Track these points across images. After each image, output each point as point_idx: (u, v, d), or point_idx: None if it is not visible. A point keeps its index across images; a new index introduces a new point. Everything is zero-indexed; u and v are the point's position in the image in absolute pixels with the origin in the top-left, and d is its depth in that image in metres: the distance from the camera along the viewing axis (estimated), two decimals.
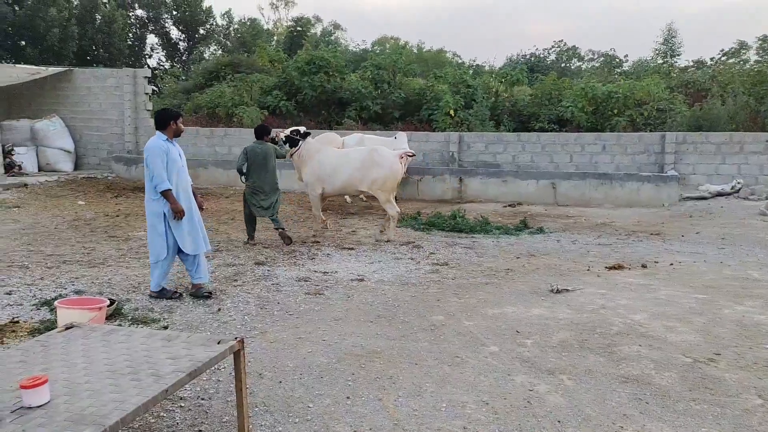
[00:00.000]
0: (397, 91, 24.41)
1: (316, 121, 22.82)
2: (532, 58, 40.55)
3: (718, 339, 6.18)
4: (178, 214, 7.05)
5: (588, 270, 9.03)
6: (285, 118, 23.49)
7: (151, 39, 49.94)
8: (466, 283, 8.01)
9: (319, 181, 11.04)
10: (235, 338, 4.36)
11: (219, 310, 6.73)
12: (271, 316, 6.64)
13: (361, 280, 8.29)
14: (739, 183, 16.88)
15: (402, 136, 15.54)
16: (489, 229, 11.75)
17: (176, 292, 7.39)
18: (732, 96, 20.96)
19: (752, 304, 7.22)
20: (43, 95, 23.74)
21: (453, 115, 21.48)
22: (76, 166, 23.33)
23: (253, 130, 11.46)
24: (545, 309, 6.95)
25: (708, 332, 6.33)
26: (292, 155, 10.94)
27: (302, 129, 11.27)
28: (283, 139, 10.98)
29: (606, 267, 9.15)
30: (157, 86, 33.87)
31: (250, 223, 10.72)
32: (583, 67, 41.89)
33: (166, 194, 7.00)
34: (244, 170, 10.51)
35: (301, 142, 10.86)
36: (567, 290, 7.74)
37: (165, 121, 7.27)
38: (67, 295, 7.14)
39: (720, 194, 16.66)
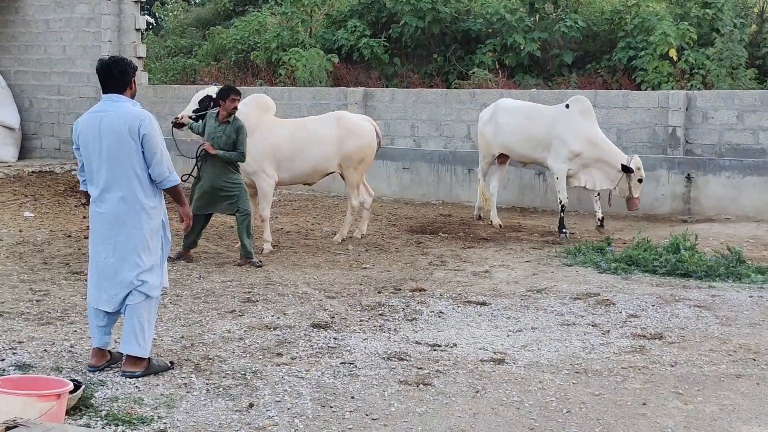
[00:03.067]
0: (570, 16, 17.73)
1: (422, 72, 18.21)
2: None
3: None
4: (189, 219, 6.31)
5: None
6: (369, 69, 18.29)
7: None
8: (698, 375, 6.11)
9: (272, 167, 10.17)
10: None
11: (251, 405, 5.30)
12: (339, 421, 5.23)
13: (501, 361, 6.30)
14: None
15: (580, 103, 11.72)
16: (743, 272, 9.13)
17: (171, 363, 6.16)
18: None
19: None
20: None
21: (676, 58, 15.83)
22: (22, 153, 18.13)
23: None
24: None
25: None
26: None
27: (213, 90, 10.11)
28: (193, 117, 9.82)
29: None
30: (155, 17, 26.89)
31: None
32: None
33: (178, 191, 6.14)
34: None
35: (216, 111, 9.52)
36: None
37: (127, 77, 6.14)
38: (4, 371, 6.06)
39: None
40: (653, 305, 7.84)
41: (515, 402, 5.32)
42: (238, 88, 9.47)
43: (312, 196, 14.09)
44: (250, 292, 8.05)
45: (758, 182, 12.24)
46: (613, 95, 13.68)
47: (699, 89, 14.22)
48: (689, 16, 16.02)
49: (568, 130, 10.95)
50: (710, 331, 7.08)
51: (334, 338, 6.73)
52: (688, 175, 12.42)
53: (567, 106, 11.27)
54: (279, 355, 6.23)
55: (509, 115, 11.63)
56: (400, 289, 8.26)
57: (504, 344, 6.65)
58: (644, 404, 5.31)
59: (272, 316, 7.35)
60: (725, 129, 13.04)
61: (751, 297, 8.13)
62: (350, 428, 4.88)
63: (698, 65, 15.16)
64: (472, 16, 17.78)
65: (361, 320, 7.22)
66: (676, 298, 8.10)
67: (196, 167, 9.12)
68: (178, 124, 9.80)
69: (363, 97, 14.48)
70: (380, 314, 7.43)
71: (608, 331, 6.99)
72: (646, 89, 14.76)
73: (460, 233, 11.22)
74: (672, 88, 13.66)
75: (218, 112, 8.96)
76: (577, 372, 5.97)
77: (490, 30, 17.33)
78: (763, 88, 14.40)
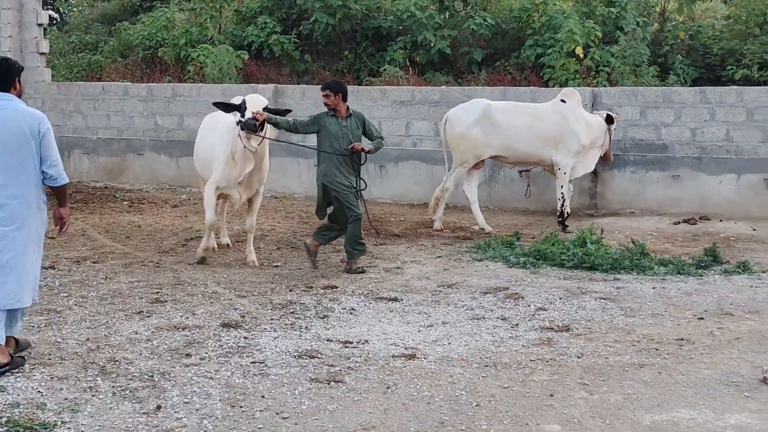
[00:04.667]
0: (479, 14, 17.66)
1: (333, 69, 18.20)
2: None
3: None
4: (67, 220, 6.30)
5: None
6: (280, 66, 18.16)
7: None
8: (604, 365, 6.26)
9: None
10: None
11: (159, 407, 5.23)
12: (249, 420, 5.20)
13: (412, 357, 6.36)
14: None
15: (573, 95, 12.01)
16: (647, 265, 9.32)
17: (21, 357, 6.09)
18: None
19: None
20: None
21: (582, 56, 16.00)
22: None
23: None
24: (752, 415, 5.44)
25: None
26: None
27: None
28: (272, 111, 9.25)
29: None
30: (58, 12, 25.66)
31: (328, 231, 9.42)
32: None
33: (65, 190, 6.20)
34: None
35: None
36: None
37: (12, 76, 6.10)
38: None
39: None
40: (561, 298, 8.05)
41: (426, 397, 5.41)
42: (335, 82, 9.25)
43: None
44: (158, 292, 7.97)
45: (661, 177, 12.56)
46: (521, 92, 13.75)
47: (604, 86, 14.44)
48: (594, 15, 16.21)
49: (578, 124, 11.17)
50: (615, 323, 7.30)
51: (245, 337, 6.76)
52: (595, 170, 12.63)
53: (563, 101, 11.45)
54: (188, 355, 6.23)
55: (511, 115, 11.48)
56: (311, 287, 8.27)
57: (415, 339, 6.76)
58: (551, 395, 5.43)
59: (181, 316, 7.30)
60: (629, 125, 13.31)
61: (654, 288, 8.39)
62: (260, 428, 4.93)
63: (603, 63, 15.37)
64: (382, 13, 17.78)
65: (272, 319, 7.24)
66: (583, 290, 8.34)
67: (356, 172, 8.98)
68: (250, 125, 8.86)
69: (273, 93, 14.30)
70: (291, 312, 7.46)
71: (517, 325, 7.14)
72: (553, 86, 14.93)
73: (372, 230, 11.18)
74: (578, 85, 13.96)
75: (334, 111, 8.81)
76: (486, 365, 6.12)
77: (400, 27, 17.29)
78: (664, 85, 14.74)
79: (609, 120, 11.49)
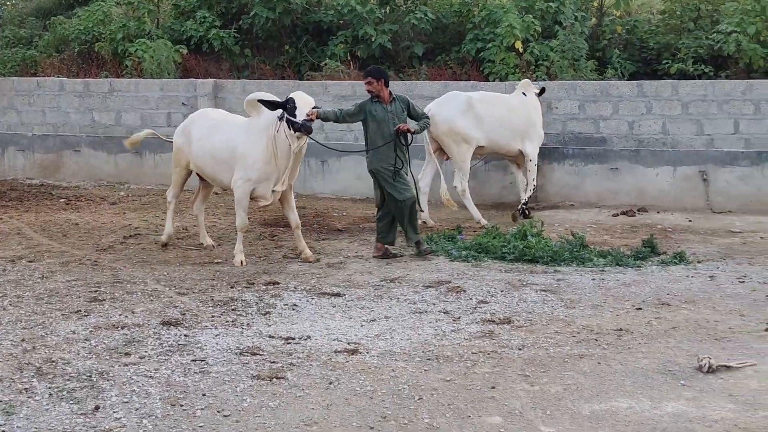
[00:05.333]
0: (420, 8, 17.68)
1: (273, 64, 18.03)
2: None
3: None
4: None
5: (767, 330, 6.96)
6: (219, 60, 17.92)
7: None
8: (544, 357, 6.31)
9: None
10: None
11: (97, 408, 5.14)
12: (190, 420, 5.14)
13: (354, 351, 6.34)
14: None
15: (530, 87, 12.40)
16: (586, 257, 9.37)
17: None
18: None
19: None
20: None
21: (521, 50, 16.03)
22: None
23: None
24: (688, 402, 5.53)
25: None
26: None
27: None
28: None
29: None
30: None
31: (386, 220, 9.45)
32: None
33: None
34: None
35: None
36: (728, 367, 6.12)
37: None
38: None
39: None
40: (502, 291, 8.10)
41: (368, 391, 5.43)
42: (376, 69, 9.31)
43: (162, 191, 13.86)
44: (96, 291, 7.84)
45: (599, 170, 12.71)
46: (462, 86, 13.67)
47: (544, 80, 14.55)
48: (533, 10, 16.29)
49: (539, 116, 11.57)
50: (555, 314, 7.38)
51: (185, 335, 6.73)
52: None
53: (524, 94, 11.68)
54: (127, 354, 6.17)
55: (489, 107, 11.61)
56: (253, 283, 8.20)
57: (358, 334, 6.77)
58: (493, 387, 5.46)
59: (120, 315, 7.21)
60: (568, 118, 13.45)
61: (593, 280, 8.47)
62: (201, 426, 4.90)
63: (543, 57, 15.46)
64: (323, 7, 17.69)
65: (213, 316, 7.19)
66: (524, 283, 8.41)
67: (399, 155, 8.98)
68: (308, 128, 8.72)
69: (213, 88, 14.14)
70: (233, 309, 7.40)
71: (459, 318, 7.18)
72: (493, 80, 15.12)
73: (315, 225, 11.21)
74: (518, 79, 13.90)
75: (378, 97, 8.79)
76: (429, 359, 6.14)
77: (341, 22, 17.24)
78: (602, 79, 14.91)
79: (542, 91, 12.08)
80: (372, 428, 4.75)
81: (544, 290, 8.15)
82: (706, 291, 8.21)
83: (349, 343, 6.53)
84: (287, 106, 8.59)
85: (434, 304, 7.74)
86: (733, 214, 12.16)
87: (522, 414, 5.12)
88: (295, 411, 5.16)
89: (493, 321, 7.19)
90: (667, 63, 15.95)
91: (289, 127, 8.51)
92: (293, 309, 7.47)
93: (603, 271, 9.00)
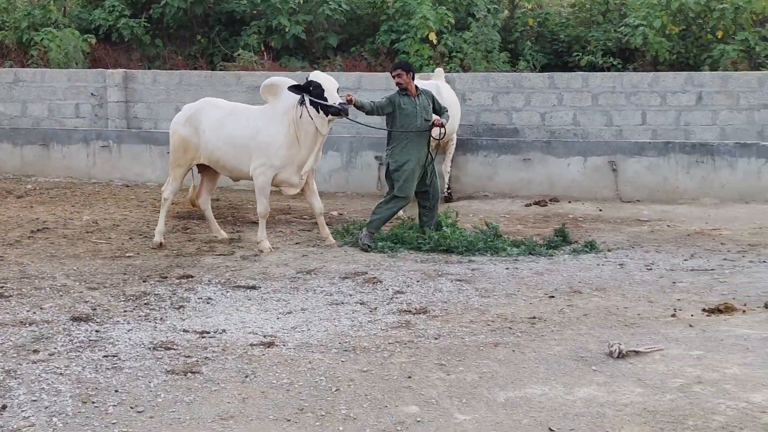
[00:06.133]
0: (334, 0, 17.83)
1: (185, 54, 17.62)
2: None
3: None
4: None
5: (673, 316, 7.01)
6: (130, 50, 17.66)
7: None
8: (460, 346, 6.29)
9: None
10: None
11: (4, 407, 5.01)
12: (102, 416, 5.01)
13: (270, 344, 6.25)
14: None
15: (442, 77, 12.77)
16: (500, 246, 9.43)
17: None
18: None
19: None
20: None
21: (435, 42, 16.12)
22: None
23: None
24: (599, 387, 5.57)
25: None
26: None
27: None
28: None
29: (704, 310, 7.16)
30: None
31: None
32: None
33: None
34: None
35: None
36: (637, 353, 6.17)
37: None
38: None
39: None
40: (418, 281, 8.10)
41: (285, 384, 5.36)
42: (405, 62, 9.49)
43: (71, 184, 13.51)
44: (2, 287, 7.59)
45: (512, 160, 12.83)
46: (377, 78, 13.83)
47: (458, 72, 14.72)
48: (447, 1, 16.46)
49: (456, 102, 11.82)
50: (470, 303, 7.41)
51: (96, 331, 6.57)
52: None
53: (437, 86, 11.69)
54: (35, 351, 5.99)
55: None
56: (166, 277, 8.05)
57: (274, 327, 6.70)
58: (410, 377, 5.44)
59: (27, 311, 7.00)
60: (482, 110, 13.58)
61: (507, 269, 8.53)
62: (114, 423, 4.76)
63: (456, 49, 15.63)
64: None
65: (125, 311, 7.03)
66: (439, 273, 8.41)
67: (431, 151, 9.04)
68: (345, 110, 8.71)
69: (123, 79, 13.86)
70: (146, 303, 7.25)
71: (376, 308, 7.16)
72: None
73: (229, 217, 11.03)
74: (432, 71, 14.06)
75: (406, 90, 8.70)
76: (345, 350, 6.10)
77: (254, 12, 17.04)
78: (515, 71, 15.12)
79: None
80: (289, 420, 4.72)
81: (459, 280, 8.14)
82: (616, 278, 8.29)
83: (265, 336, 6.45)
84: (312, 90, 8.51)
85: (351, 296, 7.72)
86: (641, 203, 12.32)
87: (438, 402, 5.13)
88: (211, 405, 5.10)
89: (410, 311, 7.19)
90: (578, 55, 16.25)
91: (318, 111, 8.39)
92: (208, 302, 7.36)
93: (516, 260, 9.05)
